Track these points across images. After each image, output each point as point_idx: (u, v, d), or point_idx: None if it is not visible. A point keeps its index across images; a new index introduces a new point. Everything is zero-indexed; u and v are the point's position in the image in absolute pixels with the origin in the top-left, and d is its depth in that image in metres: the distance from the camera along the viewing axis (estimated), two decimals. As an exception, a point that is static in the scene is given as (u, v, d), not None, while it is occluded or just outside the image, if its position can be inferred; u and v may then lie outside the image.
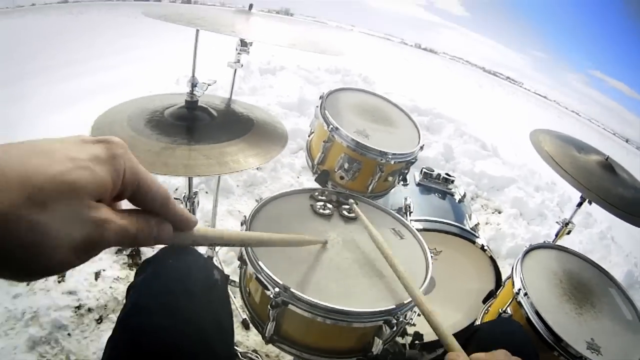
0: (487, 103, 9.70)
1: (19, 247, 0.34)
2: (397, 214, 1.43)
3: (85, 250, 0.39)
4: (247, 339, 1.92)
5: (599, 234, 3.83)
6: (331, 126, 1.50)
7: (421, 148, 1.62)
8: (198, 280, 0.96)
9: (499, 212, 3.83)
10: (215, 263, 2.08)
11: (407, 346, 1.50)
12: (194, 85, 1.43)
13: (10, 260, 0.35)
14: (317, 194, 1.39)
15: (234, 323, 1.94)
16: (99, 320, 1.84)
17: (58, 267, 0.38)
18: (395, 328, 1.06)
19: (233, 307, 1.98)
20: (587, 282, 1.58)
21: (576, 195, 1.86)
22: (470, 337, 1.11)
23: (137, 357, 0.81)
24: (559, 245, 1.78)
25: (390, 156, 1.48)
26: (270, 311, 1.02)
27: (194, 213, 1.55)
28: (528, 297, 1.42)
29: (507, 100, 11.84)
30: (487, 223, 3.59)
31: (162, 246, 0.90)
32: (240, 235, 0.72)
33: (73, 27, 6.34)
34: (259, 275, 1.04)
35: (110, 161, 0.42)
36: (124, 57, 4.98)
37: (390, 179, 1.60)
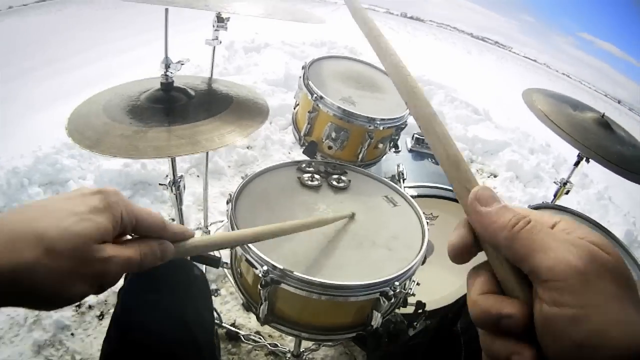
0: (477, 68, 9.58)
1: (44, 289, 0.45)
2: (389, 181, 1.38)
3: (99, 283, 0.50)
4: (249, 321, 1.89)
5: (597, 194, 3.80)
6: (315, 95, 1.43)
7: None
8: (179, 277, 1.03)
9: (495, 176, 3.80)
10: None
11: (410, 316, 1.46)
12: (167, 65, 1.37)
13: (39, 300, 0.46)
14: (304, 165, 1.33)
15: (235, 306, 1.93)
16: (100, 317, 1.82)
17: (78, 297, 0.48)
18: (393, 300, 1.01)
19: (233, 289, 1.95)
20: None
21: (571, 156, 1.82)
22: (463, 303, 1.07)
23: (128, 350, 0.89)
24: (559, 205, 1.74)
25: (378, 122, 1.43)
26: (261, 291, 0.98)
27: (180, 198, 1.50)
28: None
29: (497, 64, 11.72)
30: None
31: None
32: (246, 233, 0.74)
33: (53, 26, 6.19)
34: (247, 256, 0.99)
35: (108, 209, 0.51)
36: (106, 49, 4.88)
37: (380, 146, 1.54)
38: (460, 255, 0.47)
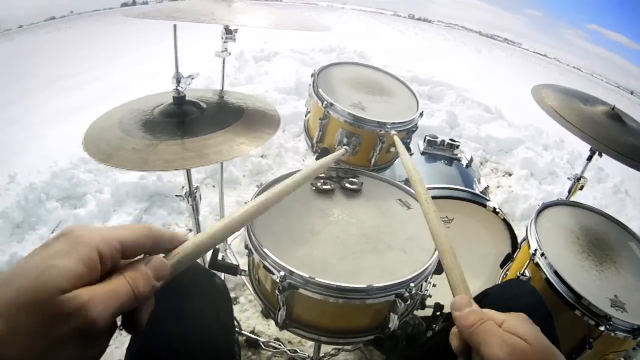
0: (487, 67, 9.56)
1: None
2: (402, 185, 1.39)
3: (90, 341, 0.42)
4: (268, 328, 1.90)
5: (613, 188, 3.75)
6: (325, 102, 1.45)
7: (421, 115, 1.58)
8: (201, 286, 1.01)
9: (510, 175, 3.77)
10: (229, 255, 2.07)
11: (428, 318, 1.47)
12: (178, 80, 1.40)
13: None
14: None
15: (254, 313, 1.95)
16: (122, 327, 1.82)
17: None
18: (409, 301, 1.02)
19: (251, 297, 1.96)
20: (605, 238, 1.53)
21: (586, 150, 1.80)
22: (479, 302, 1.07)
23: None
24: (573, 201, 1.73)
25: (389, 126, 1.44)
26: (279, 296, 1.00)
27: (197, 208, 1.52)
28: (545, 258, 1.37)
29: (507, 62, 11.67)
30: (498, 186, 3.54)
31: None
32: (240, 214, 0.74)
33: (62, 42, 6.32)
34: (265, 262, 1.01)
35: (75, 248, 0.43)
36: (116, 64, 4.97)
37: (392, 150, 1.55)
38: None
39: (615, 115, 1.67)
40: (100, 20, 8.18)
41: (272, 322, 1.91)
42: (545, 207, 1.60)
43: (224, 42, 1.64)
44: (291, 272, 0.97)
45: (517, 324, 0.57)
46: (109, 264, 0.45)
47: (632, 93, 10.80)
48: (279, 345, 1.77)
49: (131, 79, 4.24)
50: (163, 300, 0.99)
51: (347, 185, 1.31)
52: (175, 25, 1.35)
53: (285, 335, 1.82)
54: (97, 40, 6.46)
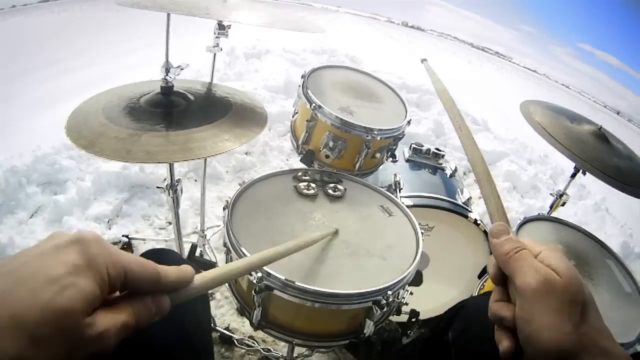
0: (477, 78, 9.62)
1: None
2: (385, 191, 1.39)
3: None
4: (242, 325, 1.89)
5: (594, 206, 3.81)
6: (314, 104, 1.45)
7: (408, 123, 1.58)
8: None
9: (492, 186, 3.79)
10: (207, 251, 2.05)
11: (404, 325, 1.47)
12: (167, 70, 1.39)
13: None
14: (300, 174, 1.35)
15: (230, 310, 1.94)
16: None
17: None
18: (385, 309, 1.02)
19: (227, 293, 1.95)
20: (584, 254, 1.55)
21: (569, 167, 1.82)
22: (456, 313, 1.08)
23: (123, 352, 0.81)
24: (554, 217, 1.75)
25: (376, 132, 1.44)
26: (255, 297, 0.99)
27: (177, 201, 1.51)
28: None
29: (497, 75, 11.78)
30: (480, 197, 3.56)
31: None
32: (243, 262, 0.68)
33: (55, 26, 6.21)
34: (242, 261, 1.00)
35: (91, 266, 0.42)
36: (107, 52, 4.90)
37: (378, 155, 1.56)
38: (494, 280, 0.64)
39: (602, 135, 1.70)
40: (94, 6, 8.07)
41: (247, 320, 1.89)
42: (527, 221, 1.62)
43: (216, 37, 1.62)
44: (268, 274, 0.96)
45: (552, 255, 0.58)
46: (109, 290, 0.44)
47: (618, 113, 10.98)
48: (253, 343, 1.76)
49: (121, 67, 4.20)
50: None
51: (330, 192, 1.31)
52: (168, 15, 1.35)
53: (260, 334, 1.81)
54: (89, 27, 6.38)
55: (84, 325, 0.39)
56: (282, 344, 1.80)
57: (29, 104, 3.33)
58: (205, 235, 2.09)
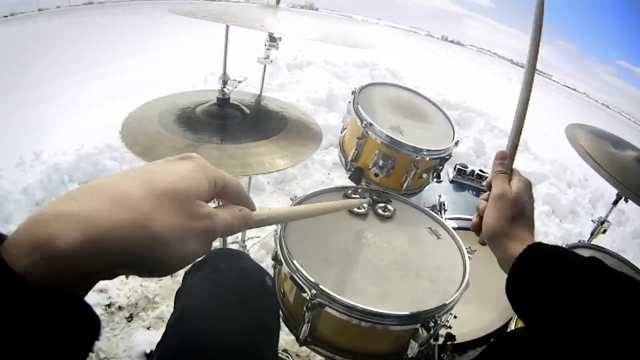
0: (517, 96, 9.49)
1: (162, 242, 0.43)
2: (432, 213, 1.39)
3: (206, 240, 0.49)
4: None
5: (632, 232, 3.68)
6: (365, 122, 1.46)
7: (456, 144, 1.58)
8: (250, 286, 0.97)
9: (532, 210, 3.72)
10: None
11: (439, 347, 1.46)
12: (225, 82, 1.42)
13: (157, 259, 0.44)
14: (350, 192, 1.36)
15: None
16: (129, 319, 1.84)
17: (190, 257, 0.48)
18: (432, 331, 1.02)
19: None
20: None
21: (609, 191, 1.80)
22: (499, 341, 1.09)
23: (185, 357, 0.81)
24: (596, 245, 1.72)
25: (425, 152, 1.45)
26: (306, 313, 1.00)
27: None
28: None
29: (537, 93, 11.53)
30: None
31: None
32: (287, 211, 0.76)
33: (98, 28, 6.40)
34: (294, 275, 1.02)
35: (203, 170, 0.51)
36: (150, 57, 5.01)
37: (424, 175, 1.56)
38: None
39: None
40: (138, 10, 8.28)
41: (281, 333, 1.90)
42: (570, 248, 1.59)
43: (267, 49, 1.65)
44: (322, 291, 0.97)
45: (517, 181, 0.89)
46: (213, 194, 0.52)
47: (661, 134, 10.65)
48: (287, 357, 1.77)
49: (163, 73, 4.29)
50: (205, 293, 0.93)
51: (380, 211, 1.31)
52: (227, 27, 1.37)
53: (294, 347, 1.81)
54: (133, 31, 6.53)
55: (197, 204, 0.47)
56: (318, 358, 1.80)
57: (73, 103, 3.44)
58: (246, 245, 2.11)
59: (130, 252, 0.41)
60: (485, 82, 9.88)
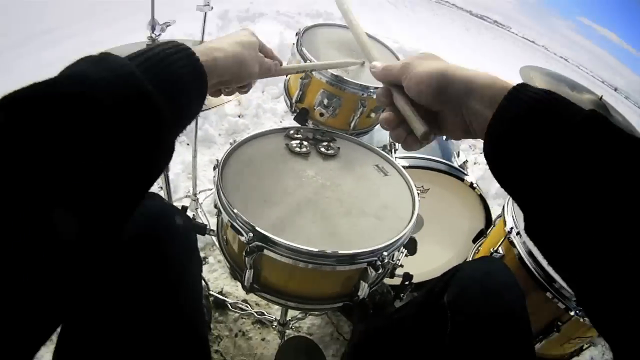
0: (475, 46, 9.47)
1: (247, 64, 0.85)
2: (380, 151, 1.34)
3: (261, 70, 0.92)
4: (236, 289, 1.88)
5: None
6: (308, 62, 1.40)
7: (405, 83, 1.53)
8: (158, 226, 0.89)
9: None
10: (199, 214, 2.02)
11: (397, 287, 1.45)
12: (153, 27, 1.35)
13: (244, 72, 0.85)
14: (292, 132, 1.29)
15: (223, 274, 1.92)
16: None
17: (256, 75, 0.90)
18: (381, 270, 0.99)
19: (220, 257, 1.92)
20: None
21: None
22: (451, 277, 1.04)
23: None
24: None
25: (372, 90, 1.39)
26: (246, 258, 0.95)
27: (167, 170, 1.47)
28: (520, 236, 1.37)
29: (495, 43, 11.60)
30: (475, 163, 3.54)
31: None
32: (300, 66, 1.31)
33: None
34: (233, 223, 0.96)
35: (255, 36, 0.91)
36: (93, 20, 4.78)
37: (373, 115, 1.51)
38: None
39: (602, 106, 1.65)
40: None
41: (240, 284, 1.88)
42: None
43: (206, -6, 1.55)
44: (259, 234, 0.92)
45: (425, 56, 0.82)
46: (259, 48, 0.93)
47: (616, 90, 10.85)
48: (247, 307, 1.75)
49: (114, 35, 4.08)
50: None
51: (323, 150, 1.25)
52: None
53: (254, 297, 1.79)
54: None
55: (257, 49, 0.90)
56: (276, 307, 1.79)
57: (28, 72, 3.24)
58: (197, 199, 2.05)
59: (237, 68, 0.81)
60: (443, 32, 9.81)
